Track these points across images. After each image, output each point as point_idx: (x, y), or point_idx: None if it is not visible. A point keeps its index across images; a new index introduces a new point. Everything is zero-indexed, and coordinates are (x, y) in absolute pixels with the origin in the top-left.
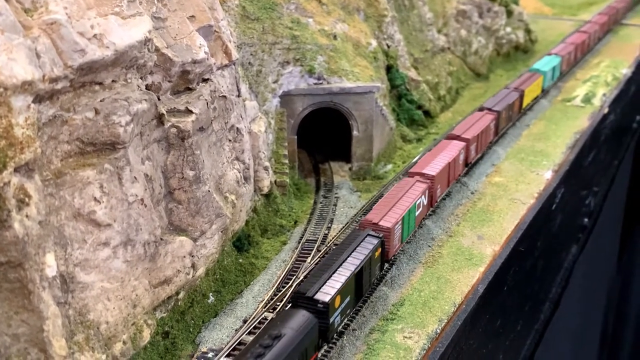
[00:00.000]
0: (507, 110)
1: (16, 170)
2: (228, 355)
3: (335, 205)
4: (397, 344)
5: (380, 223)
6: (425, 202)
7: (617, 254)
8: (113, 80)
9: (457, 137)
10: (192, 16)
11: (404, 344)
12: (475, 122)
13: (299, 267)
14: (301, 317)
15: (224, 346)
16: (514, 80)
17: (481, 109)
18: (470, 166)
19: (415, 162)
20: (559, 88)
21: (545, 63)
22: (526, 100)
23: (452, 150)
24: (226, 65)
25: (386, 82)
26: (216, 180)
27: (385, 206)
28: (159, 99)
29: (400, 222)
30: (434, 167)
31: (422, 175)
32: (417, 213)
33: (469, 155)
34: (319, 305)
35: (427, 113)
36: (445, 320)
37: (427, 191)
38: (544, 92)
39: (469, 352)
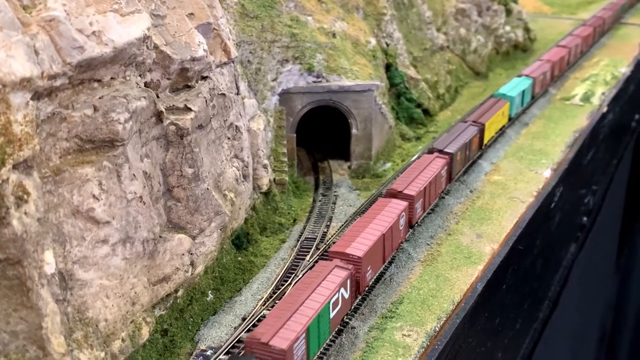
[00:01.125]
0: (464, 150)
1: (15, 167)
2: (227, 353)
3: (334, 203)
4: (396, 342)
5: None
6: (347, 296)
7: (616, 253)
8: (112, 78)
9: (398, 194)
10: (191, 14)
11: (402, 342)
12: (422, 169)
13: (297, 265)
14: None
15: (222, 344)
16: (473, 110)
17: (431, 151)
18: (414, 227)
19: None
20: (556, 87)
21: (514, 86)
22: (488, 135)
23: (389, 214)
24: (225, 63)
25: (385, 80)
26: (215, 178)
27: (294, 299)
28: (157, 97)
29: (312, 325)
30: (361, 244)
31: (344, 257)
32: (332, 315)
33: (413, 216)
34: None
35: (426, 111)
36: (444, 319)
37: (348, 280)
38: (512, 121)
39: (467, 350)
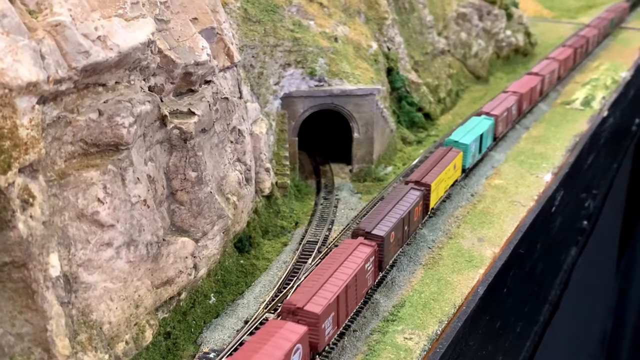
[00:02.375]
0: (400, 227)
1: (20, 170)
2: (229, 356)
3: (335, 206)
4: (397, 345)
5: None
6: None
7: (617, 257)
8: (116, 82)
9: (300, 312)
10: (195, 18)
11: (404, 345)
12: (342, 261)
13: (299, 268)
14: None
15: (225, 347)
16: (418, 167)
17: (355, 234)
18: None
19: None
20: (557, 91)
21: (470, 129)
22: (434, 197)
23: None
24: (228, 67)
25: (387, 84)
26: (218, 181)
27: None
28: (161, 101)
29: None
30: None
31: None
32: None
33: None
34: None
35: (427, 115)
36: (446, 322)
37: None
38: (467, 172)
39: (469, 353)
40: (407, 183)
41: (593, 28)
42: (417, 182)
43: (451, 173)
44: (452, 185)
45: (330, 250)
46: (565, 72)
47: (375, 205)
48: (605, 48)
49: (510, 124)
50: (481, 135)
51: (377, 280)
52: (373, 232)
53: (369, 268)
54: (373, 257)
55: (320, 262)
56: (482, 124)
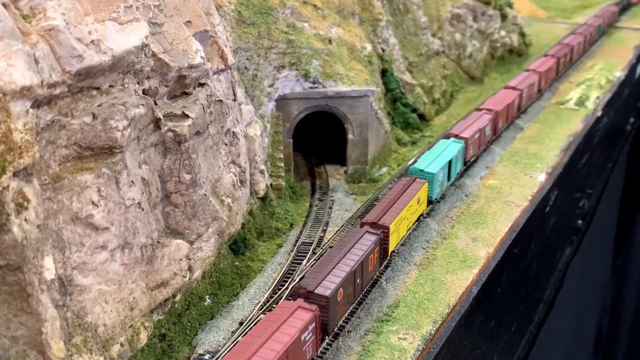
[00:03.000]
0: (351, 281)
1: (15, 174)
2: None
3: (330, 208)
4: (391, 345)
5: None
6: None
7: (612, 256)
8: (110, 85)
9: None
10: (189, 21)
11: (398, 345)
12: (269, 335)
13: (294, 270)
14: None
15: (220, 348)
16: (375, 206)
17: (295, 294)
18: None
19: None
20: (552, 91)
21: (436, 156)
22: (394, 240)
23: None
24: (222, 70)
25: (381, 85)
26: (212, 183)
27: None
28: (155, 104)
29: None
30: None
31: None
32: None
33: None
34: None
35: (421, 116)
36: (440, 322)
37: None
38: (432, 204)
39: (463, 353)
40: (361, 225)
41: (578, 35)
42: (373, 225)
43: (415, 208)
44: (418, 220)
45: (265, 314)
46: (547, 84)
47: (314, 265)
48: (600, 48)
49: (483, 146)
50: (449, 162)
51: (320, 350)
52: (316, 291)
53: (307, 338)
54: (314, 324)
55: (247, 332)
56: (451, 148)
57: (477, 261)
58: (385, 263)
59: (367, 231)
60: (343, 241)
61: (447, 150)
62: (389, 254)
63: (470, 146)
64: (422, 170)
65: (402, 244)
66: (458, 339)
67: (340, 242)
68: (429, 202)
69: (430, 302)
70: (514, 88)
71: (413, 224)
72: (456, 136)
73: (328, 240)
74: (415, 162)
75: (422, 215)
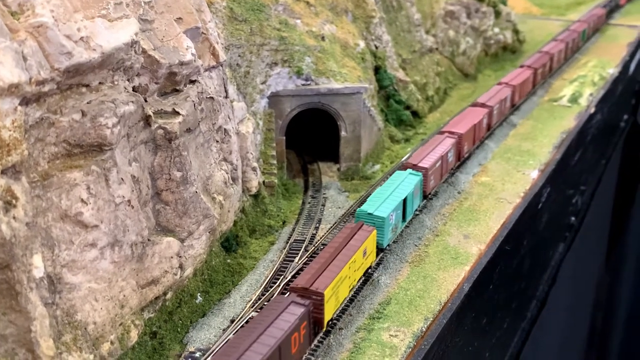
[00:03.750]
0: None
1: (3, 172)
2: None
3: (323, 205)
4: (383, 342)
5: None
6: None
7: (606, 253)
8: (100, 83)
9: None
10: (180, 18)
11: (390, 342)
12: None
13: (286, 267)
14: None
15: (211, 346)
16: (306, 269)
17: None
18: None
19: None
20: (545, 88)
21: (389, 194)
22: (329, 310)
23: None
24: (214, 67)
25: (374, 82)
26: (204, 181)
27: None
28: (145, 101)
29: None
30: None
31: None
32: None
33: None
34: None
35: (415, 113)
36: (431, 319)
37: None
38: (383, 252)
39: (454, 349)
40: (289, 287)
41: (559, 43)
42: (303, 291)
43: (360, 262)
44: (365, 274)
45: None
46: (521, 99)
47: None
48: (593, 45)
49: (446, 174)
50: (405, 200)
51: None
52: None
53: None
54: None
55: None
56: (407, 183)
57: (469, 258)
58: (318, 337)
59: (293, 302)
60: (263, 314)
61: (402, 186)
62: (325, 324)
63: (430, 177)
64: (370, 214)
65: (394, 241)
66: (449, 336)
67: (259, 316)
68: (379, 249)
69: (422, 299)
70: (483, 105)
71: (358, 281)
72: (414, 166)
73: (320, 238)
74: (366, 200)
75: (370, 266)
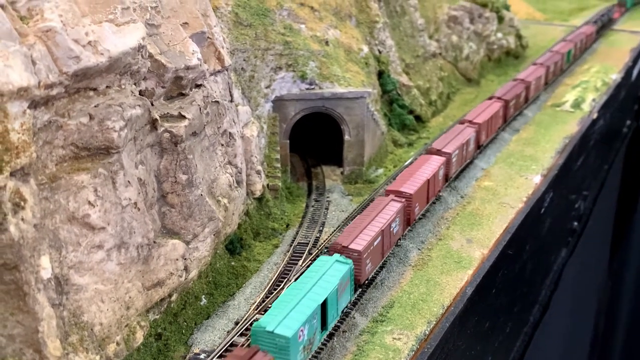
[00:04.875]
0: None
1: (12, 174)
2: (220, 357)
3: (327, 208)
4: (386, 345)
5: None
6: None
7: (608, 258)
8: (107, 86)
9: None
10: (186, 23)
11: (393, 345)
12: None
13: (290, 270)
14: None
15: (216, 348)
16: None
17: None
18: None
19: None
20: (548, 93)
21: (299, 299)
22: None
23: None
24: (219, 71)
25: (378, 87)
26: (209, 184)
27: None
28: (152, 105)
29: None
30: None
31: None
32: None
33: None
34: None
35: (418, 118)
36: (434, 322)
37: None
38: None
39: (457, 353)
40: None
41: (538, 68)
42: None
43: None
44: None
45: None
46: (488, 138)
47: None
48: (596, 50)
49: (388, 251)
50: (325, 302)
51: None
52: None
53: None
54: None
55: None
56: (330, 277)
57: (471, 262)
58: None
59: None
60: None
61: (322, 282)
62: None
63: (365, 261)
64: (271, 333)
65: (396, 245)
66: (452, 340)
67: None
68: None
69: (425, 303)
70: (438, 152)
71: None
72: (343, 249)
73: (324, 241)
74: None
75: None
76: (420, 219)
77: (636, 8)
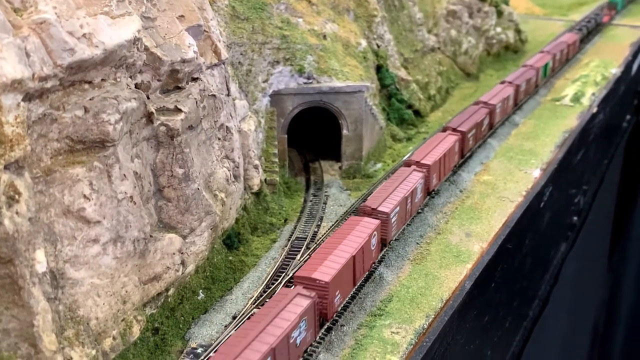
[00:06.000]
0: None
1: (6, 167)
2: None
3: (325, 203)
4: (384, 339)
5: None
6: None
7: (608, 252)
8: (102, 79)
9: None
10: (182, 16)
11: (391, 339)
12: None
13: (288, 265)
14: None
15: (213, 342)
16: None
17: None
18: None
19: None
20: (547, 87)
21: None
22: None
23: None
24: (216, 65)
25: (376, 81)
26: (205, 178)
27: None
28: (148, 98)
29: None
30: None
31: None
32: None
33: None
34: None
35: (417, 112)
36: (433, 316)
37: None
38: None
39: (456, 347)
40: None
41: (507, 87)
42: None
43: None
44: None
45: None
46: (446, 175)
47: None
48: (595, 45)
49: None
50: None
51: None
52: None
53: None
54: None
55: None
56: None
57: (470, 256)
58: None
59: None
60: None
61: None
62: None
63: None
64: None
65: (396, 239)
66: (451, 334)
67: None
68: None
69: (424, 297)
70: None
71: None
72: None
73: (322, 235)
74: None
75: None
76: (419, 212)
77: (635, 3)
